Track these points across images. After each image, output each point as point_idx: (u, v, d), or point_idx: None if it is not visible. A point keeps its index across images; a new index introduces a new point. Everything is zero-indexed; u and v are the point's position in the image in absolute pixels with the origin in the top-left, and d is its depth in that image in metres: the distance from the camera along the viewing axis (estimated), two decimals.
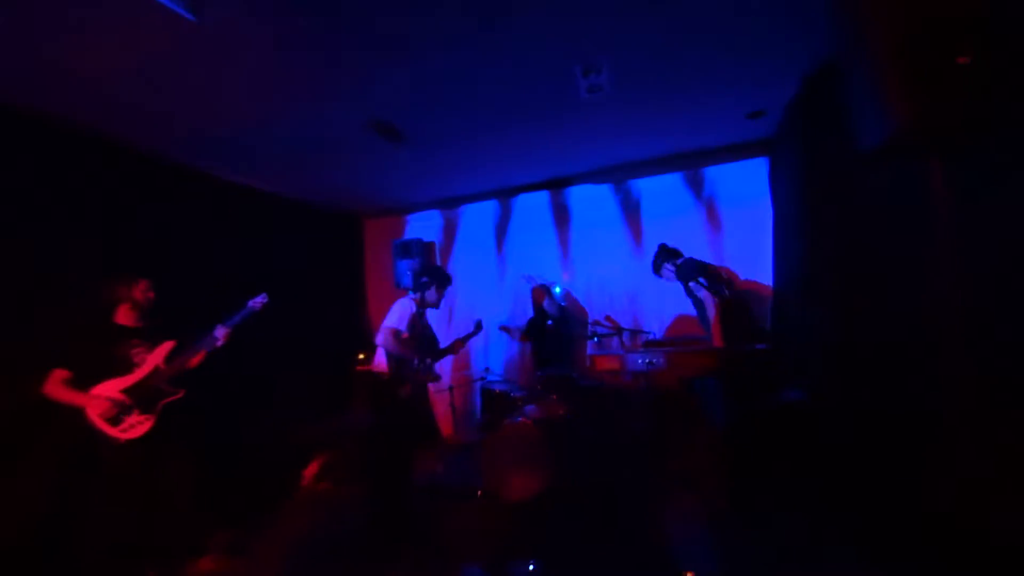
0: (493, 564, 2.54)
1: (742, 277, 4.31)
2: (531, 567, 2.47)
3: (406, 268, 5.05)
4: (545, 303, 4.34)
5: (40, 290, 2.86)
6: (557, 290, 4.93)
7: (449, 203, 5.42)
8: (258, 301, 2.95)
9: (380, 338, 3.33)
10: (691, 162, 4.49)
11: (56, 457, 2.74)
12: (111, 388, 2.56)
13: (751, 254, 4.29)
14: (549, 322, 4.37)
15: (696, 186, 4.54)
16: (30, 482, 2.68)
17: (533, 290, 4.41)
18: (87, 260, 3.05)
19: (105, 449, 2.56)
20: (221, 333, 2.80)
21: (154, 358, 2.70)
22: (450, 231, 5.48)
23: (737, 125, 3.86)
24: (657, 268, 3.49)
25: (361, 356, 5.15)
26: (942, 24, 1.31)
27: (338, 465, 4.23)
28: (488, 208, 5.30)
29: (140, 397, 2.59)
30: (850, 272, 2.53)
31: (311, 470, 4.17)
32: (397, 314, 3.41)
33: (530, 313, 4.64)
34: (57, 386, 2.49)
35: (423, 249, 5.17)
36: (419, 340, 3.52)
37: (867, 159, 1.71)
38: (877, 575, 2.10)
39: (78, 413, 2.52)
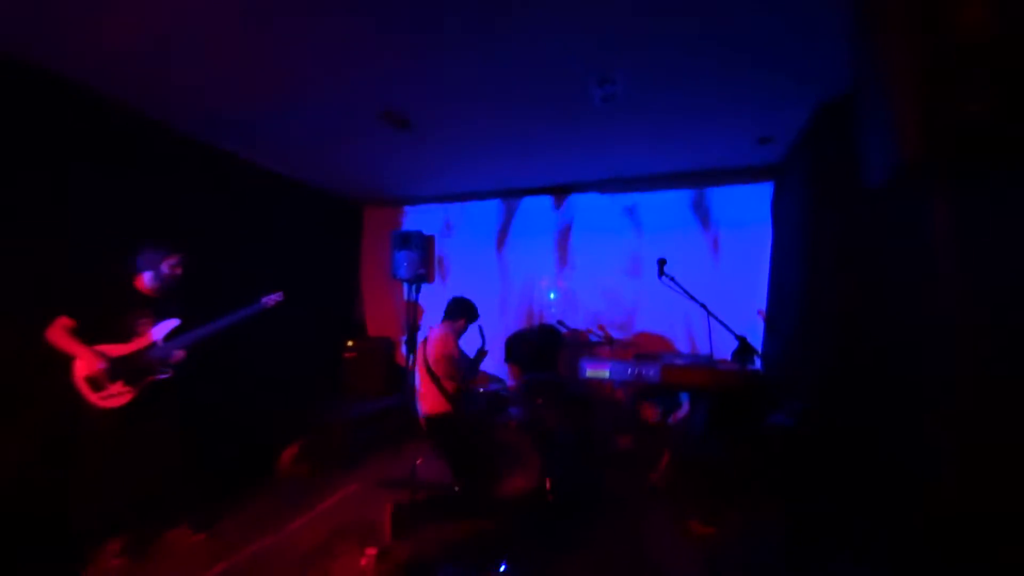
0: (464, 562, 2.53)
1: (736, 299, 4.34)
2: (502, 568, 2.47)
3: (404, 259, 5.03)
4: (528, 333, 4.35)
5: (61, 250, 2.90)
6: (552, 296, 4.95)
7: (451, 199, 5.41)
8: (272, 299, 2.95)
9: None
10: (696, 181, 4.53)
11: (42, 415, 2.72)
12: (107, 352, 2.52)
13: (746, 276, 4.33)
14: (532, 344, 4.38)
15: (699, 205, 4.57)
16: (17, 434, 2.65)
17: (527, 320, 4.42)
18: (95, 225, 3.05)
19: (83, 413, 2.53)
20: (225, 324, 2.79)
21: (155, 333, 2.68)
22: (450, 227, 5.47)
23: (745, 149, 3.90)
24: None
25: (350, 344, 5.14)
26: (957, 51, 1.32)
27: (316, 450, 4.21)
28: (490, 207, 5.30)
29: (129, 368, 2.55)
30: (850, 300, 2.56)
31: (289, 453, 4.14)
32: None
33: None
34: (59, 332, 2.45)
35: (422, 242, 5.15)
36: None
37: (873, 191, 1.73)
38: None
39: (66, 369, 2.49)
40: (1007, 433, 1.55)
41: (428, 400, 2.99)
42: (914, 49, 1.42)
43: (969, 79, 1.33)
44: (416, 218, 5.63)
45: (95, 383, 2.48)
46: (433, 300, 5.48)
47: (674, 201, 4.66)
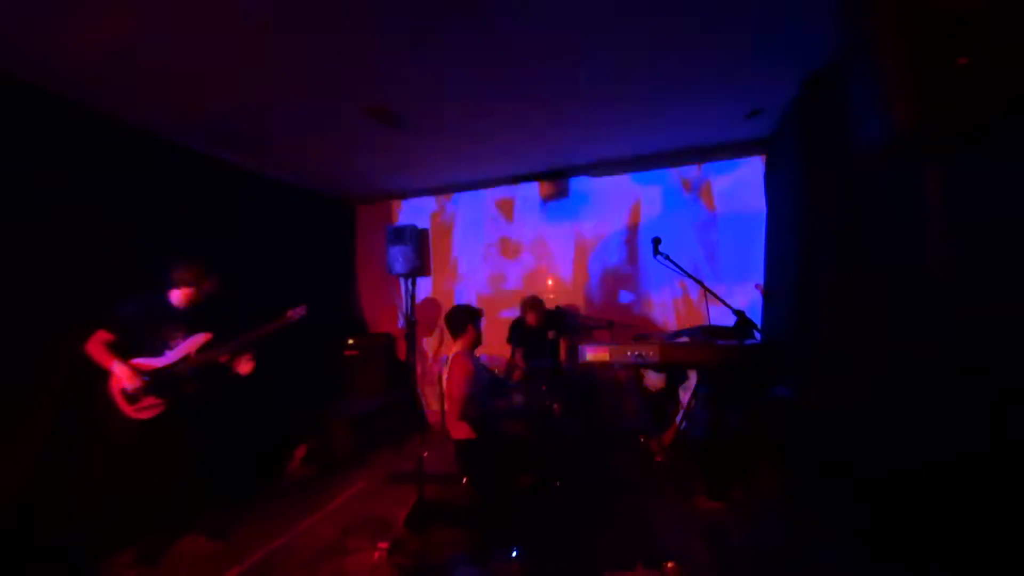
0: (478, 551, 2.55)
1: (733, 274, 4.34)
2: (514, 554, 2.49)
3: (399, 254, 5.01)
4: (529, 319, 4.31)
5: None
6: (549, 282, 4.94)
7: (443, 190, 5.37)
8: (296, 312, 3.02)
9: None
10: (687, 159, 4.49)
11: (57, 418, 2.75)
12: (142, 368, 2.59)
13: (743, 251, 4.32)
14: (535, 333, 4.35)
15: (691, 183, 4.54)
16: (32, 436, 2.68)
17: (522, 303, 4.37)
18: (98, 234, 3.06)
19: (114, 421, 2.57)
20: (254, 338, 2.84)
21: (187, 347, 2.73)
22: (445, 218, 5.44)
23: (735, 124, 3.86)
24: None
25: (351, 341, 5.13)
26: (944, 21, 1.31)
27: (323, 449, 4.23)
28: (482, 196, 5.26)
29: (161, 382, 2.62)
30: (845, 271, 2.55)
31: (297, 454, 4.16)
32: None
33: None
34: (98, 346, 2.52)
35: (417, 235, 5.12)
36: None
37: (865, 161, 1.72)
38: (866, 568, 2.14)
39: (101, 380, 2.54)
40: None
41: (451, 424, 2.93)
42: (905, 15, 1.39)
43: (960, 46, 1.31)
44: (409, 212, 5.59)
45: (131, 397, 2.54)
46: (430, 292, 5.48)
47: (666, 180, 4.63)
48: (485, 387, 3.08)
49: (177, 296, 2.76)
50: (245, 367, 2.82)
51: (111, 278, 2.97)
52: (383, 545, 2.66)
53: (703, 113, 3.64)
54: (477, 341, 3.14)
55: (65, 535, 2.64)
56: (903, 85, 1.42)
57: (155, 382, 2.59)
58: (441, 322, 3.45)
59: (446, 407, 2.93)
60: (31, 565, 2.48)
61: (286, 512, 3.29)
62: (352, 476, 3.94)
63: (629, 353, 2.75)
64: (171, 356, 2.69)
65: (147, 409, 2.58)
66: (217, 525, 3.01)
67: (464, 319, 3.08)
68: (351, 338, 5.17)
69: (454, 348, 3.05)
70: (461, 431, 2.88)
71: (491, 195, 5.23)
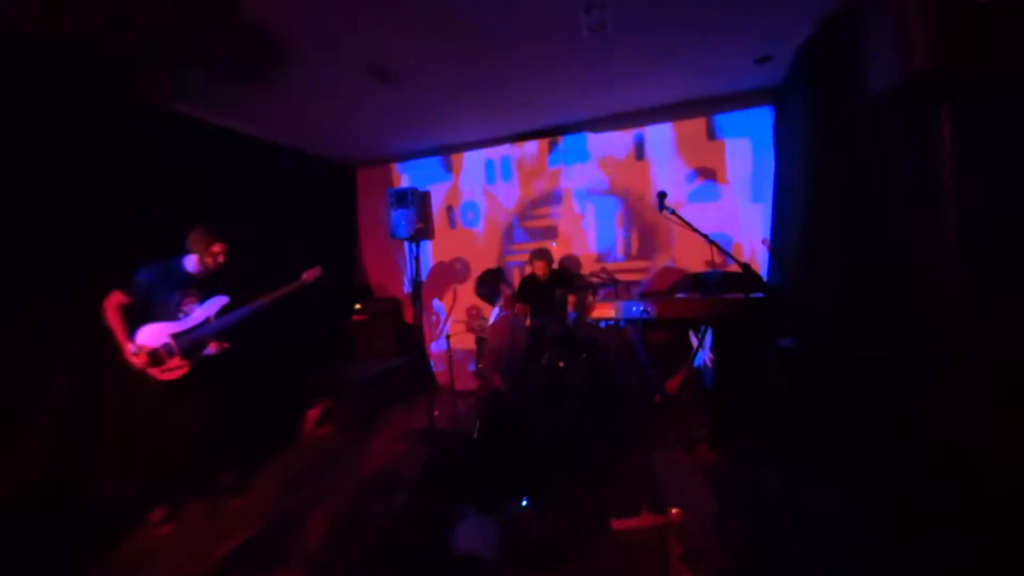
0: (487, 502, 2.65)
1: (741, 227, 4.30)
2: (523, 503, 2.59)
3: (401, 217, 4.98)
4: (537, 269, 4.30)
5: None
6: (554, 244, 4.91)
7: (443, 150, 5.28)
8: (312, 274, 3.12)
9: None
10: (693, 111, 4.36)
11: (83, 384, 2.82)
12: (161, 332, 2.67)
13: (750, 204, 4.27)
14: (543, 287, 4.35)
15: (697, 135, 4.43)
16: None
17: (531, 260, 4.36)
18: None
19: (140, 384, 2.69)
20: (270, 301, 2.95)
21: (206, 310, 2.82)
22: (444, 179, 5.37)
23: (743, 72, 3.72)
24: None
25: (358, 307, 5.18)
26: None
27: (337, 411, 4.35)
28: (484, 155, 5.17)
29: (185, 344, 2.71)
30: (854, 220, 2.52)
31: (313, 415, 4.29)
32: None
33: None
34: (113, 310, 2.60)
35: (418, 198, 5.08)
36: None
37: (878, 106, 1.67)
38: (859, 517, 2.21)
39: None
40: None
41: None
42: None
43: None
44: (410, 174, 5.51)
45: (156, 358, 2.63)
46: (437, 253, 5.48)
47: (672, 134, 4.52)
48: (521, 346, 3.14)
49: (191, 262, 2.82)
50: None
51: (123, 247, 2.98)
52: (399, 498, 2.79)
53: (711, 60, 3.49)
54: (514, 297, 3.19)
55: (96, 496, 2.77)
56: (919, 26, 1.37)
57: (179, 344, 2.68)
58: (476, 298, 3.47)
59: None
60: (65, 526, 2.60)
61: (304, 470, 3.42)
62: (365, 435, 4.07)
63: (635, 308, 2.77)
64: (191, 320, 2.77)
65: (172, 371, 2.68)
66: (238, 483, 3.15)
67: (492, 284, 3.13)
68: (358, 303, 5.22)
69: (495, 317, 3.08)
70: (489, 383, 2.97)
71: (492, 154, 5.13)
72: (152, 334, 2.64)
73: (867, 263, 2.42)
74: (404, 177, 5.53)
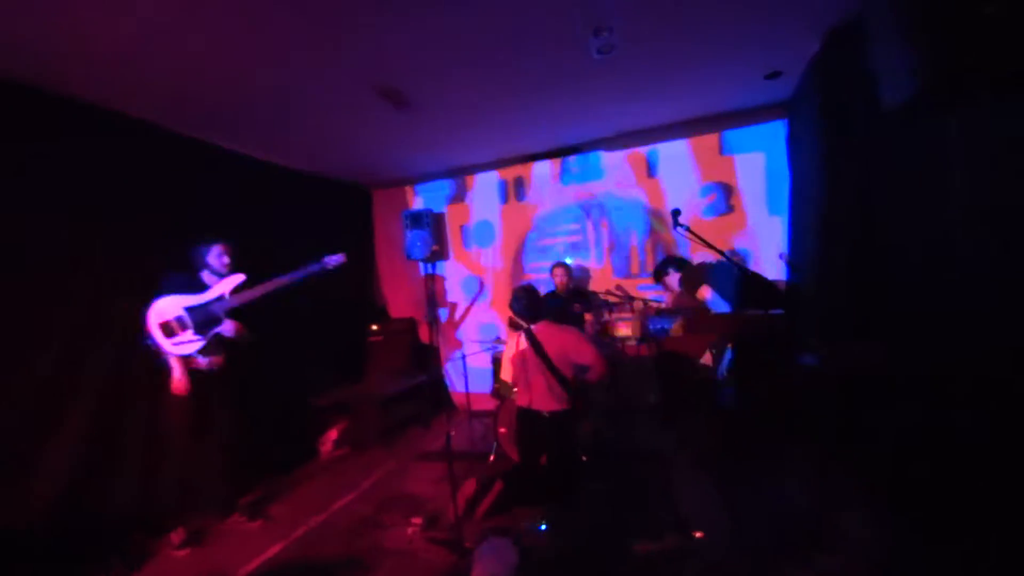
0: (510, 526, 2.62)
1: (755, 245, 4.25)
2: (542, 527, 2.55)
3: (417, 239, 5.05)
4: (557, 276, 4.32)
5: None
6: (569, 260, 4.92)
7: (457, 172, 5.36)
8: (334, 260, 3.14)
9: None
10: (705, 127, 4.37)
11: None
12: (176, 304, 2.71)
13: (767, 220, 4.23)
14: (559, 301, 4.36)
15: (711, 152, 4.43)
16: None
17: (552, 269, 4.39)
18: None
19: (163, 399, 2.76)
20: (287, 280, 2.97)
21: (222, 286, 2.85)
22: (460, 201, 5.43)
23: (754, 87, 3.73)
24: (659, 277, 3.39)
25: (374, 327, 5.23)
26: None
27: (353, 431, 4.36)
28: (498, 176, 5.23)
29: (199, 318, 2.74)
30: (871, 230, 2.48)
31: (330, 436, 4.30)
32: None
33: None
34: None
35: (433, 219, 5.15)
36: None
37: (889, 117, 1.66)
38: (886, 538, 2.13)
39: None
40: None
41: (543, 397, 2.91)
42: None
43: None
44: (424, 196, 5.60)
45: (168, 329, 2.65)
46: (449, 274, 5.52)
47: (685, 150, 4.52)
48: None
49: (207, 277, 2.90)
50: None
51: (147, 263, 3.07)
52: (416, 520, 2.76)
53: (721, 78, 3.52)
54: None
55: (116, 512, 2.80)
56: (928, 38, 1.36)
57: (192, 317, 2.71)
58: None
59: (548, 379, 2.90)
60: (82, 545, 2.63)
61: (322, 491, 3.42)
62: (383, 456, 4.07)
63: (651, 327, 2.74)
64: (207, 294, 2.81)
65: (184, 344, 2.68)
66: (258, 504, 3.17)
67: (533, 298, 3.03)
68: (374, 323, 5.27)
69: (550, 327, 2.97)
70: (556, 400, 2.89)
71: (506, 174, 5.19)
72: (167, 306, 2.67)
73: (885, 273, 2.38)
74: (419, 199, 5.62)
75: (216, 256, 2.87)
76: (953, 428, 1.80)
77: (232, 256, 2.93)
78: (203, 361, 2.80)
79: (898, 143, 2.12)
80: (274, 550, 2.69)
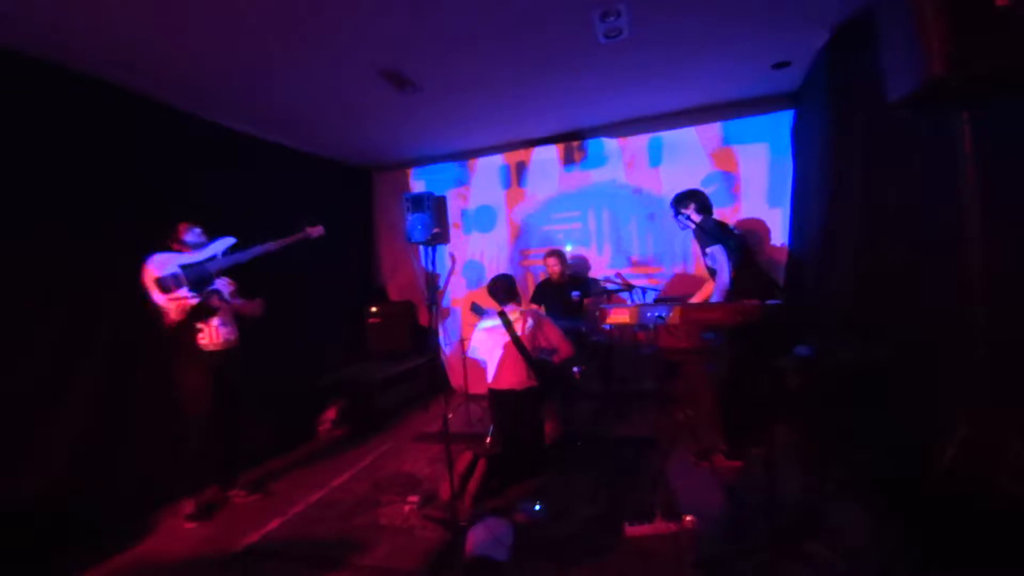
0: (504, 507, 2.67)
1: (755, 238, 4.26)
2: (537, 508, 2.60)
3: (417, 222, 5.04)
4: (552, 264, 4.32)
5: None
6: (569, 247, 4.93)
7: (459, 156, 5.33)
8: (316, 230, 3.28)
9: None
10: (710, 116, 4.35)
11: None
12: (171, 261, 2.78)
13: (769, 210, 4.24)
14: (556, 289, 4.37)
15: (715, 141, 4.41)
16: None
17: (545, 258, 4.39)
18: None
19: (179, 373, 2.86)
20: (274, 247, 3.07)
21: (214, 247, 2.96)
22: (461, 184, 5.41)
23: (760, 77, 3.71)
24: (680, 207, 3.30)
25: (374, 309, 5.25)
26: None
27: (351, 412, 4.41)
28: (500, 161, 5.20)
29: (193, 276, 2.80)
30: (873, 222, 2.49)
31: (327, 416, 4.35)
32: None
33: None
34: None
35: (434, 203, 5.14)
36: None
37: (897, 110, 1.66)
38: (877, 525, 2.18)
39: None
40: None
41: (514, 376, 3.04)
42: None
43: None
44: (426, 179, 5.56)
45: (164, 285, 2.70)
46: (450, 259, 5.52)
47: (689, 139, 4.50)
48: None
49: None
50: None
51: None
52: (413, 499, 2.81)
53: (728, 66, 3.49)
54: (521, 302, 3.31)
55: (119, 487, 2.84)
56: (939, 31, 1.36)
57: (187, 275, 2.77)
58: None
59: (517, 361, 3.05)
60: (87, 517, 2.68)
61: (321, 469, 3.48)
62: (380, 436, 4.12)
63: (649, 315, 2.76)
64: (200, 254, 2.90)
65: (179, 300, 2.75)
66: (258, 481, 3.22)
67: (510, 287, 3.21)
68: (374, 306, 5.28)
69: (523, 312, 3.15)
70: (524, 378, 3.03)
71: (508, 159, 5.16)
72: (162, 263, 2.75)
73: (886, 264, 2.39)
74: (420, 182, 5.59)
75: (188, 233, 2.93)
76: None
77: (204, 228, 3.01)
78: (215, 334, 2.93)
79: (904, 137, 2.11)
80: (273, 525, 2.74)
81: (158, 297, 2.70)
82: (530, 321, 3.09)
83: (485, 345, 3.15)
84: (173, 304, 2.73)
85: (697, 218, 3.16)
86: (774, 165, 4.21)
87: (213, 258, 2.93)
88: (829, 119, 3.16)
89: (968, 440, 1.59)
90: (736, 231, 3.21)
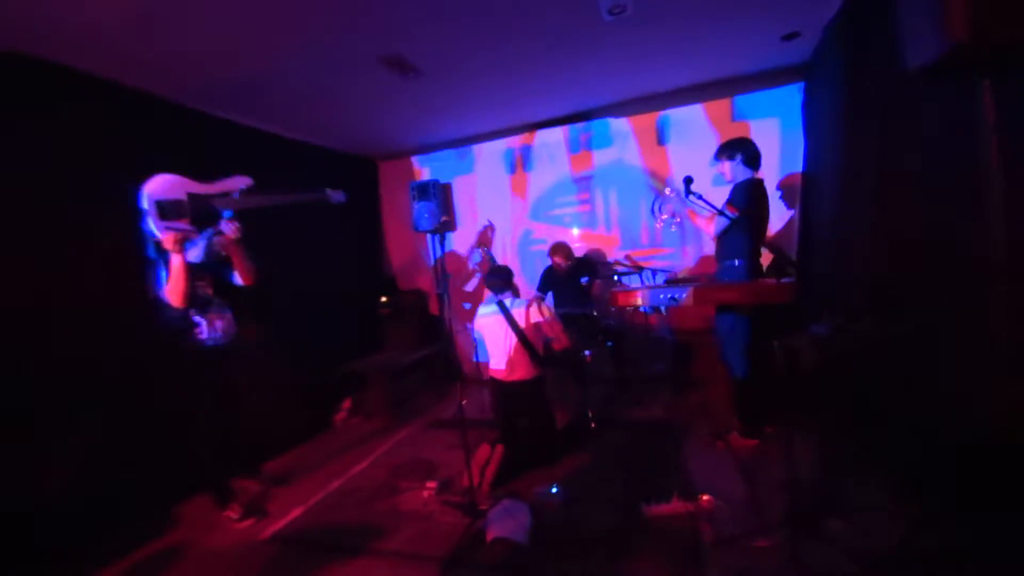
0: (522, 490, 2.70)
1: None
2: (554, 491, 2.63)
3: (424, 210, 5.01)
4: (559, 261, 4.31)
5: None
6: (576, 231, 4.90)
7: (464, 142, 5.28)
8: (337, 194, 2.94)
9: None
10: (719, 91, 4.26)
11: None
12: (178, 187, 2.46)
13: (779, 185, 4.17)
14: (563, 276, 4.35)
15: (724, 117, 4.32)
16: None
17: (550, 253, 4.37)
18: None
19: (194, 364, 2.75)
20: (290, 199, 2.98)
21: (229, 184, 2.64)
22: (466, 170, 5.37)
23: (770, 49, 3.61)
24: (725, 155, 3.20)
25: (384, 300, 5.27)
26: None
27: (367, 401, 4.47)
28: (504, 146, 5.15)
29: (198, 208, 2.50)
30: (889, 193, 2.44)
31: (344, 406, 4.41)
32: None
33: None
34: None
35: (440, 190, 5.09)
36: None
37: (914, 80, 1.61)
38: (899, 502, 2.18)
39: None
40: None
41: (519, 367, 3.06)
42: None
43: None
44: (432, 166, 5.53)
45: (163, 209, 2.37)
46: (460, 243, 5.52)
47: (697, 116, 4.42)
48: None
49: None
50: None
51: None
52: (431, 485, 2.85)
53: (737, 39, 3.40)
54: (517, 294, 3.30)
55: (144, 480, 2.90)
56: None
57: (192, 205, 2.47)
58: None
59: (516, 350, 3.06)
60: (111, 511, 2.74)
61: (339, 458, 3.53)
62: (396, 424, 4.18)
63: (661, 296, 2.75)
64: (213, 187, 2.60)
65: (176, 232, 2.41)
66: (277, 471, 3.28)
67: (507, 277, 3.24)
68: (384, 296, 5.31)
69: (522, 304, 3.14)
70: (527, 370, 3.06)
71: (513, 143, 5.11)
72: (166, 185, 2.41)
73: (902, 239, 2.35)
74: (426, 169, 5.56)
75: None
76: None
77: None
78: (213, 328, 2.75)
79: (922, 108, 2.05)
80: (296, 513, 2.80)
81: (156, 225, 2.36)
82: (535, 315, 3.08)
83: (485, 332, 3.19)
84: (169, 237, 2.39)
85: (731, 175, 3.12)
86: (785, 140, 4.13)
87: (227, 194, 2.61)
88: (841, 91, 3.08)
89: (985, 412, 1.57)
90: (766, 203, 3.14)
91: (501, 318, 3.09)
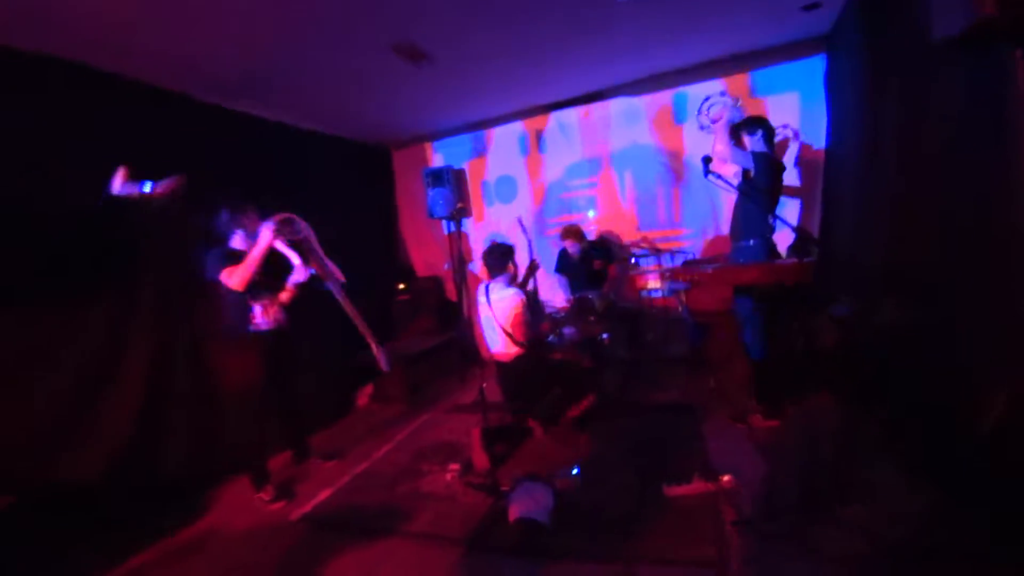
0: (543, 472, 2.74)
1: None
2: (575, 472, 2.67)
3: (439, 197, 5.03)
4: (568, 246, 4.30)
5: None
6: (591, 213, 4.86)
7: (477, 126, 5.25)
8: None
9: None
10: (738, 66, 4.15)
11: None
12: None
13: (798, 162, 4.08)
14: (576, 260, 4.35)
15: (744, 93, 4.21)
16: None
17: (562, 237, 4.37)
18: None
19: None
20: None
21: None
22: (480, 155, 5.36)
23: (790, 19, 3.49)
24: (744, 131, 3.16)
25: (402, 287, 5.33)
26: None
27: (387, 386, 4.55)
28: (518, 129, 5.11)
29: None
30: (913, 174, 2.37)
31: (365, 391, 4.50)
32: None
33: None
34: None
35: (455, 176, 5.10)
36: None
37: (942, 51, 1.56)
38: (917, 486, 2.16)
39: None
40: None
41: (503, 343, 3.17)
42: None
43: None
44: (445, 152, 5.53)
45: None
46: (475, 228, 5.53)
47: (713, 91, 4.31)
48: (533, 313, 3.30)
49: (239, 239, 2.92)
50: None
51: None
52: (454, 467, 2.92)
53: (756, 10, 3.29)
54: (515, 276, 3.26)
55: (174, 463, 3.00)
56: None
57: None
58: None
59: (515, 334, 3.13)
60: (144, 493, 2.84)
61: (362, 442, 3.62)
62: (417, 408, 4.25)
63: (680, 278, 2.73)
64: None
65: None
66: (299, 456, 3.36)
67: (503, 256, 3.23)
68: (401, 283, 5.37)
69: (504, 292, 3.19)
70: (509, 349, 3.14)
71: (526, 126, 5.07)
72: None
73: (925, 216, 2.28)
74: (439, 156, 5.56)
75: (252, 220, 2.89)
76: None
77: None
78: (267, 314, 2.93)
79: (950, 79, 1.98)
80: (323, 496, 2.89)
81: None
82: (504, 315, 3.13)
83: (480, 314, 3.29)
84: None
85: (751, 149, 3.08)
86: (805, 115, 4.02)
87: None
88: (864, 61, 2.98)
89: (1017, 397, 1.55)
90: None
91: (485, 301, 3.19)
